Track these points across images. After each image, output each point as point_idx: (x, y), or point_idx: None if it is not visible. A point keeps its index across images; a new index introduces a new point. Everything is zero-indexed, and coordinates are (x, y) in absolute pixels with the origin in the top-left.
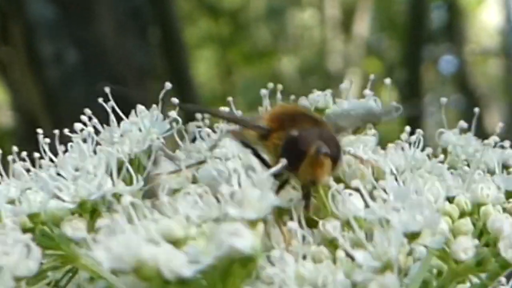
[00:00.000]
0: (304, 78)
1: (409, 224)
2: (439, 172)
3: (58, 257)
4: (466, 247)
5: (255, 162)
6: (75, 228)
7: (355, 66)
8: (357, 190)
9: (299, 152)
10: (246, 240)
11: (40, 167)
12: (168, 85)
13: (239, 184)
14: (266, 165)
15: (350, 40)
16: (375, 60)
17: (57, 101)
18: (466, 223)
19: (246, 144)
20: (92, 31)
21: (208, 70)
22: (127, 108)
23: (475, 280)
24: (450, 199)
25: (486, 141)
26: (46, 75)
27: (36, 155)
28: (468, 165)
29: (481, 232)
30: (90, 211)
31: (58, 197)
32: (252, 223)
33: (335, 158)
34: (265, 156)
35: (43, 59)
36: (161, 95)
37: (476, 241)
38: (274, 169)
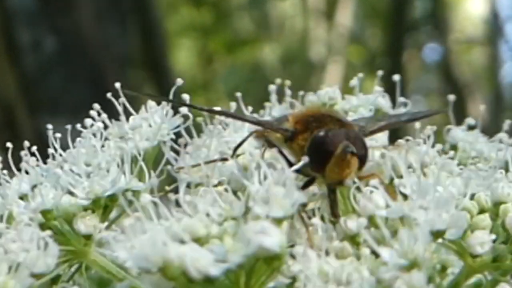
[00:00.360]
0: (286, 67)
1: (435, 222)
2: (449, 169)
3: (68, 253)
4: (482, 241)
5: (280, 160)
6: (88, 224)
7: (338, 55)
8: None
9: (326, 152)
10: (274, 239)
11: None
12: (179, 81)
13: (262, 182)
14: (291, 165)
15: (332, 28)
16: (358, 48)
17: (34, 89)
18: (485, 219)
19: (271, 143)
20: (71, 19)
21: (190, 58)
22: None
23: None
24: (470, 196)
25: (495, 138)
26: (24, 63)
27: (50, 151)
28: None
29: (499, 230)
30: (103, 207)
31: (71, 193)
32: (278, 221)
33: (362, 158)
34: (290, 158)
35: (21, 47)
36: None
37: (493, 236)
38: (298, 166)
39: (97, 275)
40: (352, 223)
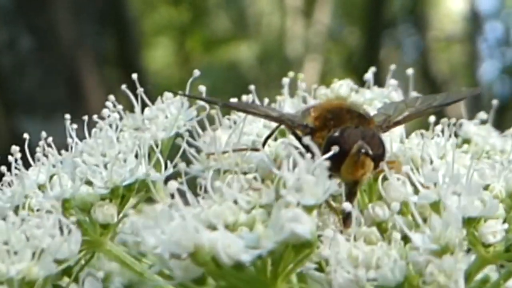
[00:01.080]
0: (263, 65)
1: (467, 209)
2: (463, 162)
3: (84, 243)
4: (494, 230)
5: (313, 147)
6: (106, 213)
7: (315, 52)
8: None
9: (340, 153)
10: (305, 226)
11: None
12: (196, 72)
13: (292, 171)
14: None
15: (310, 26)
16: (335, 46)
17: (9, 88)
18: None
19: (295, 135)
20: (47, 17)
21: (167, 57)
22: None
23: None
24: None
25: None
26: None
27: (69, 140)
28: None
29: None
30: (120, 196)
31: (89, 183)
32: (309, 209)
33: (378, 158)
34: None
35: None
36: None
37: (506, 226)
38: (329, 154)
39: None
40: (379, 210)
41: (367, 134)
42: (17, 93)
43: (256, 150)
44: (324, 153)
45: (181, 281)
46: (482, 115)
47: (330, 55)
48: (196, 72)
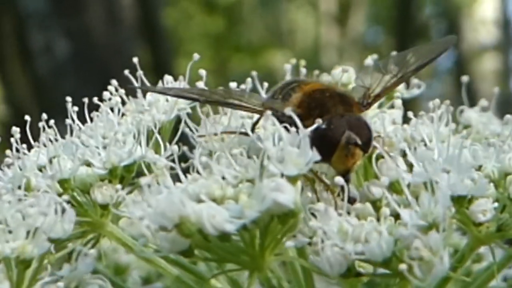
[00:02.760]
0: (298, 73)
1: (457, 187)
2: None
3: (85, 224)
4: (484, 209)
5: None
6: (105, 194)
7: (350, 60)
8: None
9: (329, 145)
10: (288, 195)
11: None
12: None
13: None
14: None
15: (345, 34)
16: (370, 54)
17: (47, 93)
18: (489, 188)
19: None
20: (82, 22)
21: (202, 65)
22: None
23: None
24: (477, 167)
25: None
26: (36, 66)
27: (68, 121)
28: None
29: (506, 201)
30: (119, 177)
31: (88, 164)
32: (292, 179)
33: (366, 145)
34: None
35: (33, 50)
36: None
37: (496, 204)
38: (312, 128)
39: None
40: (375, 189)
41: (354, 123)
42: (54, 98)
43: (246, 134)
44: (312, 143)
45: (168, 253)
46: (483, 102)
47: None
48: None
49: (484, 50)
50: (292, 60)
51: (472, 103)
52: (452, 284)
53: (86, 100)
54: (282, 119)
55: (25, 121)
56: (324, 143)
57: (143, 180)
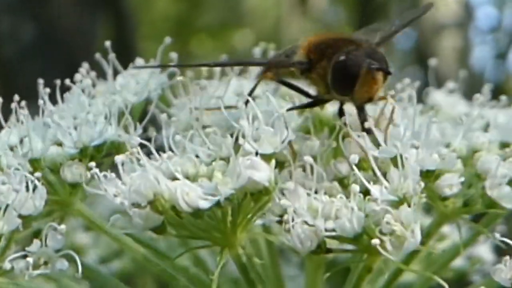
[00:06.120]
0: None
1: (425, 162)
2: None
3: (53, 203)
4: (451, 183)
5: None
6: (74, 173)
7: None
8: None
9: (352, 74)
10: (263, 173)
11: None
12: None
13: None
14: (308, 95)
15: (306, 13)
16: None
17: (12, 77)
18: (456, 163)
19: (283, 82)
20: (49, 7)
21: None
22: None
23: None
24: (446, 145)
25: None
26: (2, 51)
27: (40, 102)
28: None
29: (473, 178)
30: (89, 157)
31: (58, 144)
32: (267, 158)
33: (386, 71)
34: (310, 89)
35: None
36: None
37: (462, 179)
38: (290, 107)
39: None
40: (342, 166)
41: (371, 52)
42: (19, 82)
43: (234, 107)
44: (333, 79)
45: (142, 230)
46: (450, 84)
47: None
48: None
49: (445, 27)
50: (261, 44)
51: (434, 82)
52: (417, 262)
53: (58, 81)
54: (294, 68)
55: None
56: (347, 73)
57: (118, 158)
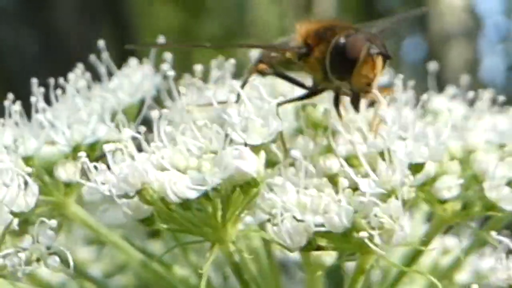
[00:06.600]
0: None
1: (414, 154)
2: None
3: (49, 204)
4: (449, 186)
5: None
6: (68, 172)
7: None
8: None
9: (351, 58)
10: (251, 163)
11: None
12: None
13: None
14: (303, 86)
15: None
16: None
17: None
18: (453, 165)
19: (278, 74)
20: (51, 17)
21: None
22: None
23: None
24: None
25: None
26: (4, 60)
27: (33, 99)
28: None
29: (470, 179)
30: None
31: (52, 143)
32: (256, 149)
33: (386, 56)
34: (305, 80)
35: (1, 44)
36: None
37: (461, 180)
38: (278, 100)
39: None
40: (332, 163)
41: (370, 36)
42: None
43: (223, 102)
44: (332, 62)
45: (130, 220)
46: (452, 90)
47: None
48: None
49: (453, 37)
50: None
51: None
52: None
53: (52, 81)
54: (292, 52)
55: None
56: (346, 57)
57: (106, 147)
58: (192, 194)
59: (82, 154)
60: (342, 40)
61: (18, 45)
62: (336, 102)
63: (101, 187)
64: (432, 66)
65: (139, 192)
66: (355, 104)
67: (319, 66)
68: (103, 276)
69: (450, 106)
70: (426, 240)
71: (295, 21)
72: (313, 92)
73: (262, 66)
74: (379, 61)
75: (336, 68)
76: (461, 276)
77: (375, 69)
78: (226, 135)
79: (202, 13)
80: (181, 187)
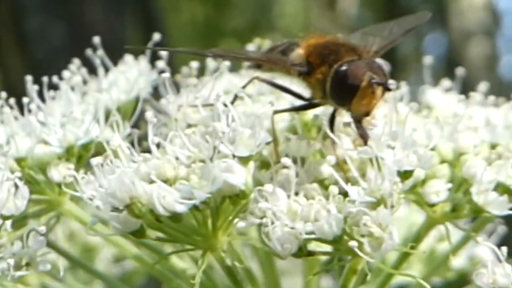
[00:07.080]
0: None
1: (402, 162)
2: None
3: (43, 202)
4: (438, 190)
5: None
6: (61, 172)
7: None
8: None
9: (352, 86)
10: (238, 176)
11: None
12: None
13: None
14: (302, 98)
15: (335, 18)
16: None
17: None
18: (442, 168)
19: (276, 85)
20: (79, 8)
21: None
22: None
23: None
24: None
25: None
26: (32, 50)
27: (25, 100)
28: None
29: (460, 181)
30: (77, 156)
31: (46, 142)
32: (244, 160)
33: (386, 86)
34: (305, 92)
35: (29, 35)
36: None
37: (449, 185)
38: (265, 108)
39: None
40: (323, 168)
41: (372, 64)
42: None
43: (210, 105)
44: (332, 88)
45: (120, 233)
46: (447, 83)
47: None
48: None
49: (473, 34)
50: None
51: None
52: (416, 261)
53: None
54: (292, 70)
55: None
56: (347, 84)
57: (94, 161)
58: (181, 208)
59: (71, 166)
60: (344, 67)
61: (45, 37)
62: (332, 120)
63: (90, 201)
64: (459, 71)
65: (127, 206)
66: (362, 135)
67: (319, 86)
68: (113, 260)
69: (445, 100)
70: (417, 239)
71: (319, 15)
72: (311, 104)
73: (260, 77)
74: (379, 90)
75: (336, 94)
76: (456, 261)
77: (375, 99)
78: (214, 148)
79: (227, 7)
80: (169, 200)
